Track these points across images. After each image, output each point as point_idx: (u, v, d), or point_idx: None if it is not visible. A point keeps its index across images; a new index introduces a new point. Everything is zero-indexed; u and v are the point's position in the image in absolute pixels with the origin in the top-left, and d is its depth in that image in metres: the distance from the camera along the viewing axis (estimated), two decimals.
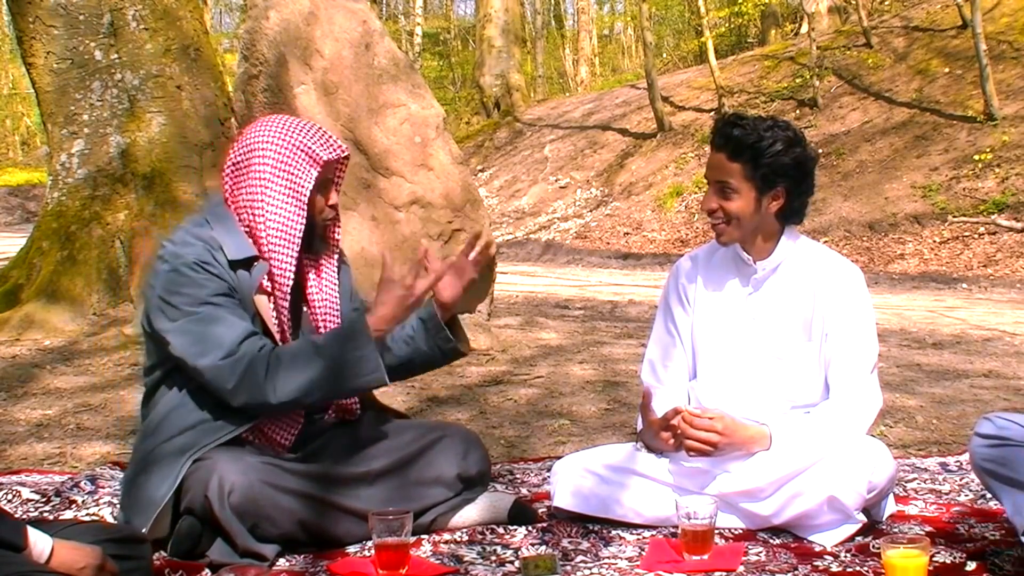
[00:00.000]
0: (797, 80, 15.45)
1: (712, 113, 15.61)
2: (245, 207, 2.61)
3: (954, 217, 11.19)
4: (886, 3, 18.79)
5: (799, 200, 2.76)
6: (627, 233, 14.10)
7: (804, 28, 17.81)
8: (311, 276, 2.74)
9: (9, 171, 25.89)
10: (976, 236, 10.90)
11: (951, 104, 13.16)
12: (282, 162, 2.60)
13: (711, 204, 2.74)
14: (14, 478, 3.31)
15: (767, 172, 2.67)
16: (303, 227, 2.62)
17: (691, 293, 2.91)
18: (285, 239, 2.60)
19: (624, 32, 33.76)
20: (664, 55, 26.31)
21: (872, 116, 13.89)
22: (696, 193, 13.69)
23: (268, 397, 2.48)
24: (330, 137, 2.68)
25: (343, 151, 2.69)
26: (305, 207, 2.61)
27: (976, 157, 11.84)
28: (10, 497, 3.04)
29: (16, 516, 2.40)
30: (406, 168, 5.45)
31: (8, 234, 15.49)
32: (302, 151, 2.61)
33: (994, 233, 10.79)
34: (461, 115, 23.44)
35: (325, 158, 2.61)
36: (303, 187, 2.60)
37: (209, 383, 2.51)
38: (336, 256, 2.79)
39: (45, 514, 2.88)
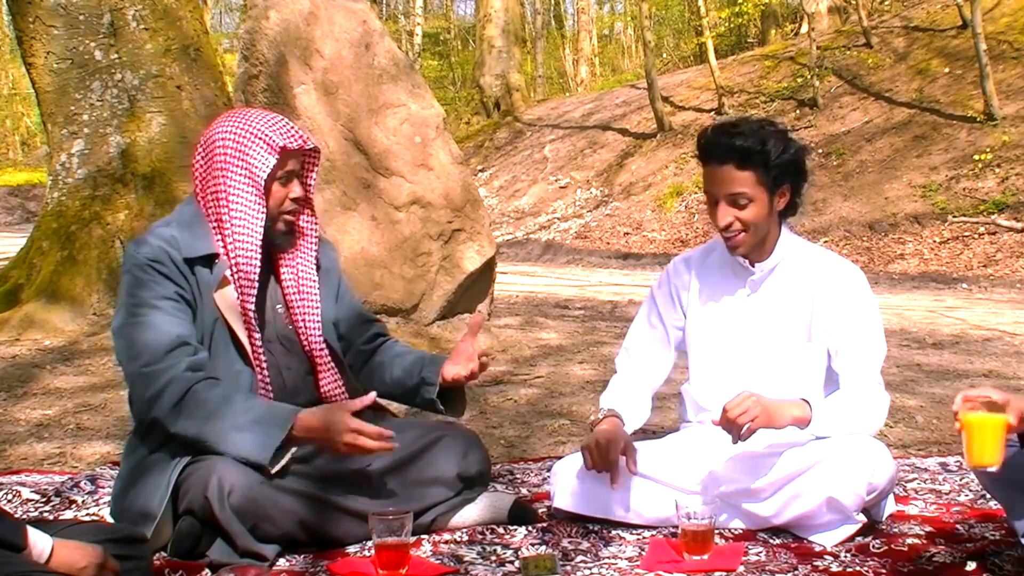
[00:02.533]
0: (797, 80, 15.45)
1: (712, 113, 15.62)
2: (211, 201, 2.62)
3: (954, 217, 11.20)
4: (886, 3, 18.79)
5: (799, 195, 2.77)
6: (627, 233, 14.10)
7: (804, 28, 17.81)
8: (285, 273, 2.71)
9: (9, 171, 25.91)
10: (976, 236, 10.90)
11: (951, 104, 13.16)
12: (238, 149, 2.58)
13: (727, 219, 2.66)
14: (14, 478, 3.31)
15: (777, 173, 2.66)
16: (263, 216, 2.60)
17: (685, 297, 2.90)
18: (246, 228, 2.58)
19: (624, 32, 33.77)
20: (664, 55, 26.31)
21: (872, 116, 13.89)
22: (696, 193, 13.69)
23: (169, 425, 2.48)
24: (292, 128, 2.65)
25: (304, 142, 2.65)
26: (263, 195, 2.60)
27: (976, 157, 11.84)
28: (10, 497, 3.04)
29: (16, 516, 2.40)
30: (406, 168, 5.45)
31: (8, 234, 15.49)
32: (258, 138, 2.58)
33: (994, 233, 10.79)
34: (461, 115, 23.44)
35: (281, 144, 2.59)
36: (259, 174, 2.58)
37: (130, 389, 2.53)
38: (312, 251, 2.76)
39: (45, 514, 2.88)
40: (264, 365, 2.62)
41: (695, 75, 18.27)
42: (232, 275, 2.59)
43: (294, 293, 2.71)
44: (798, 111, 14.69)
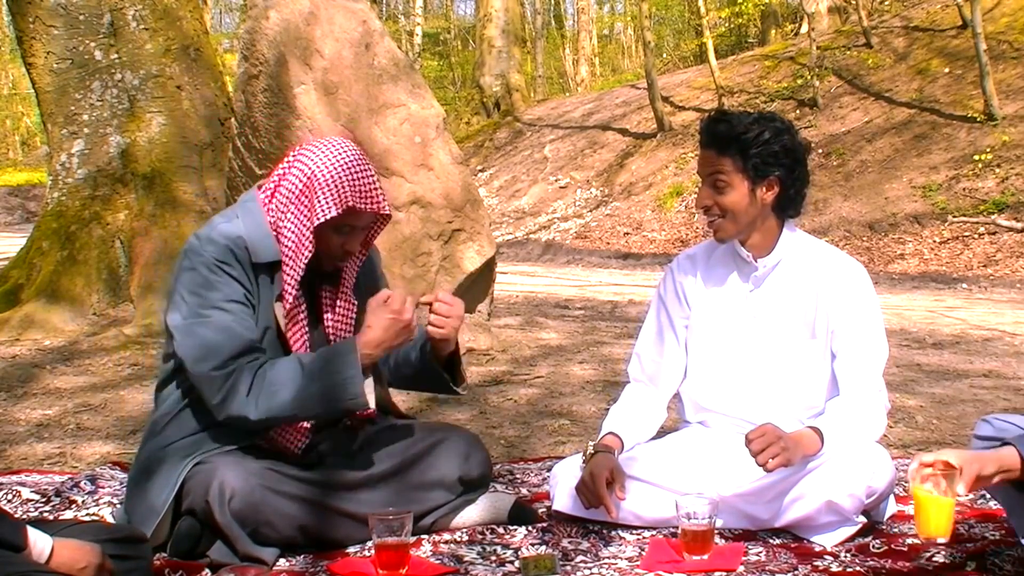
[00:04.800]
0: (797, 80, 15.46)
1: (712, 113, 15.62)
2: (275, 213, 2.59)
3: (954, 217, 11.20)
4: (886, 3, 18.80)
5: (794, 188, 2.74)
6: (627, 233, 14.10)
7: (804, 28, 17.82)
8: (326, 303, 2.70)
9: (9, 171, 25.92)
10: (976, 236, 10.90)
11: (951, 104, 13.17)
12: (309, 187, 2.54)
13: (705, 200, 2.74)
14: (14, 478, 3.31)
15: (758, 162, 2.67)
16: (307, 255, 2.55)
17: (690, 292, 2.89)
18: (292, 260, 2.56)
19: (624, 32, 33.79)
20: (664, 55, 26.32)
21: (872, 116, 13.90)
22: (696, 193, 13.68)
23: (249, 413, 2.46)
24: (373, 187, 2.58)
25: (379, 207, 2.59)
26: (311, 239, 2.54)
27: (976, 157, 11.85)
28: (10, 497, 3.04)
29: (16, 516, 2.40)
30: (406, 168, 5.45)
31: (8, 234, 15.50)
32: (333, 185, 2.53)
33: (994, 233, 10.80)
34: (461, 115, 23.44)
35: (350, 203, 2.54)
36: (312, 219, 2.53)
37: (199, 390, 2.52)
38: (353, 276, 2.73)
39: (45, 514, 2.88)
40: None
41: (695, 75, 18.28)
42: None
43: (329, 323, 2.69)
44: (798, 111, 14.69)
